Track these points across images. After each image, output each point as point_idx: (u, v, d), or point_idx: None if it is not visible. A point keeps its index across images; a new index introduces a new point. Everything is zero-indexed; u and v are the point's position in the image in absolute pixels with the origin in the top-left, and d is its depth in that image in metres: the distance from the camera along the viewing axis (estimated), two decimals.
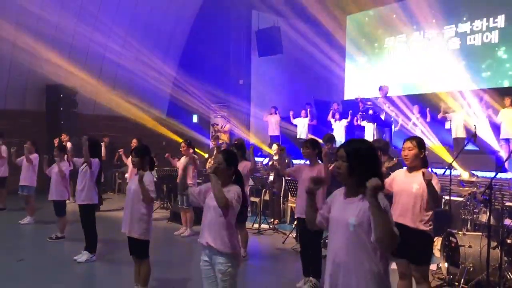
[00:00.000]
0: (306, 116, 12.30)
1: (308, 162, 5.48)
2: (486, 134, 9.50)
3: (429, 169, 4.00)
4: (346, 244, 2.38)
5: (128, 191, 4.61)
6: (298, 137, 12.25)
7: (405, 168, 4.11)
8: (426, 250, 3.92)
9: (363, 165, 2.40)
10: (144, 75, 14.30)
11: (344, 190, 2.53)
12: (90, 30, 13.08)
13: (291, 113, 12.52)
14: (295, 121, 12.45)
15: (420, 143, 3.95)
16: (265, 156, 11.59)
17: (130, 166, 9.57)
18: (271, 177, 9.22)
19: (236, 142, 7.63)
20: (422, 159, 3.95)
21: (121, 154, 9.45)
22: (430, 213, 3.85)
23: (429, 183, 3.69)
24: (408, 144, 3.96)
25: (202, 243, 3.44)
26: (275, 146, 9.37)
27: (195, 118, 15.40)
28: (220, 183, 3.32)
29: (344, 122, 11.69)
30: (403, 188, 3.94)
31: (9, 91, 12.54)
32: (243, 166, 5.96)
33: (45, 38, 12.30)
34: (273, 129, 12.68)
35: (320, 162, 5.31)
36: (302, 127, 12.28)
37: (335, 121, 11.83)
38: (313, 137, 8.84)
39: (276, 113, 12.67)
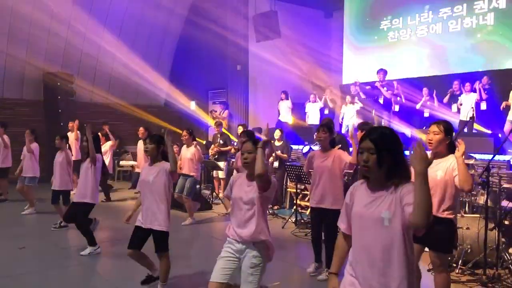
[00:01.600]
0: (315, 101, 12.21)
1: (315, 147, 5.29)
2: (488, 117, 9.51)
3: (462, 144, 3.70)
4: (380, 240, 2.21)
5: (142, 182, 4.39)
6: (309, 122, 12.14)
7: (428, 152, 3.95)
8: (449, 237, 3.75)
9: (391, 153, 2.22)
10: (141, 62, 14.23)
11: (366, 183, 2.35)
12: (85, 18, 13.00)
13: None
14: (307, 109, 12.35)
15: (447, 128, 3.66)
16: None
17: (139, 154, 9.55)
18: (275, 164, 9.17)
19: (244, 131, 7.61)
20: (448, 145, 3.69)
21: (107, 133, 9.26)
22: (453, 201, 3.66)
23: (459, 161, 3.52)
24: (434, 128, 3.67)
25: (233, 238, 3.34)
26: (278, 132, 9.31)
27: (193, 105, 15.36)
28: (264, 156, 3.20)
29: (357, 106, 11.34)
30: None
31: (6, 80, 12.51)
32: None
33: (42, 26, 12.25)
34: (284, 115, 12.46)
35: (332, 148, 5.07)
36: (313, 112, 12.19)
37: (346, 104, 11.64)
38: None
39: (287, 98, 12.43)
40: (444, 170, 3.60)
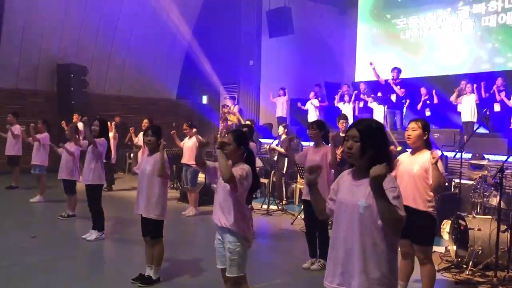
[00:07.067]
0: (316, 98, 12.23)
1: (313, 143, 5.46)
2: (498, 117, 9.42)
3: (437, 151, 4.03)
4: (355, 226, 2.31)
5: (143, 172, 4.56)
6: (309, 120, 12.16)
7: (409, 151, 4.16)
8: (429, 231, 3.94)
9: (375, 144, 2.32)
10: (154, 55, 14.27)
11: (352, 171, 2.46)
12: (100, 9, 13.05)
13: (299, 104, 12.47)
14: (306, 106, 12.36)
15: (425, 125, 3.98)
16: (274, 138, 11.58)
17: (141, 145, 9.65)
18: (275, 158, 9.28)
19: (246, 124, 7.66)
20: (425, 141, 3.98)
21: (131, 134, 9.46)
22: (432, 194, 3.88)
23: (435, 165, 3.75)
24: (413, 124, 4.00)
25: (215, 222, 3.52)
26: (281, 128, 9.43)
27: (205, 99, 15.38)
28: (224, 157, 3.34)
29: (352, 104, 11.59)
30: (405, 169, 3.97)
31: (20, 71, 12.60)
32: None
33: (56, 16, 12.34)
34: (281, 110, 12.62)
35: (325, 144, 5.28)
36: (313, 109, 12.21)
37: (343, 103, 11.71)
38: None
39: (284, 94, 12.59)
40: (420, 164, 3.89)
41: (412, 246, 4.00)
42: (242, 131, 3.82)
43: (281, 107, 12.62)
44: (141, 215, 4.57)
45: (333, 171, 5.30)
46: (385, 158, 2.32)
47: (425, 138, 3.97)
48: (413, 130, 3.96)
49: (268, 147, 9.65)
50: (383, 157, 2.30)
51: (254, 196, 8.26)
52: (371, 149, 2.31)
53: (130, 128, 9.50)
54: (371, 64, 10.79)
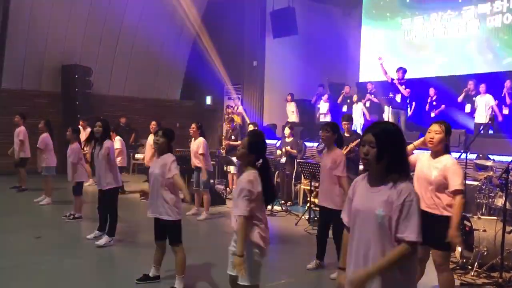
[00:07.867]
0: (326, 101, 12.20)
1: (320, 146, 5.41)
2: (504, 118, 9.37)
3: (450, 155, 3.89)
4: (373, 234, 2.25)
5: (150, 175, 4.52)
6: (320, 120, 12.14)
7: (429, 152, 3.94)
8: (446, 235, 3.74)
9: (391, 150, 2.23)
10: (157, 56, 14.29)
11: (367, 177, 2.36)
12: (105, 8, 13.09)
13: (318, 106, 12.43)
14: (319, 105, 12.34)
15: (447, 129, 3.81)
16: (278, 139, 11.57)
17: (148, 147, 9.69)
18: (283, 160, 9.26)
19: (251, 131, 7.62)
20: (446, 145, 3.83)
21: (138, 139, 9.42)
22: (450, 199, 3.72)
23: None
24: (436, 127, 3.80)
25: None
26: (287, 130, 9.40)
27: (208, 100, 15.39)
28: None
29: (361, 105, 11.56)
30: (423, 173, 3.84)
31: (25, 71, 12.65)
32: None
33: (61, 17, 12.38)
34: (291, 116, 12.58)
35: (337, 147, 5.18)
36: (325, 109, 12.18)
37: (345, 106, 11.68)
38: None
39: (292, 100, 12.53)
40: (439, 170, 3.73)
41: (426, 251, 3.87)
42: (260, 138, 3.55)
43: (289, 114, 12.55)
44: (154, 217, 4.50)
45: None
46: (401, 164, 2.27)
47: (445, 142, 3.82)
48: (437, 133, 3.78)
49: (283, 149, 9.52)
50: (399, 163, 2.26)
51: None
52: (388, 154, 2.23)
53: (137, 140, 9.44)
54: (379, 59, 10.73)
